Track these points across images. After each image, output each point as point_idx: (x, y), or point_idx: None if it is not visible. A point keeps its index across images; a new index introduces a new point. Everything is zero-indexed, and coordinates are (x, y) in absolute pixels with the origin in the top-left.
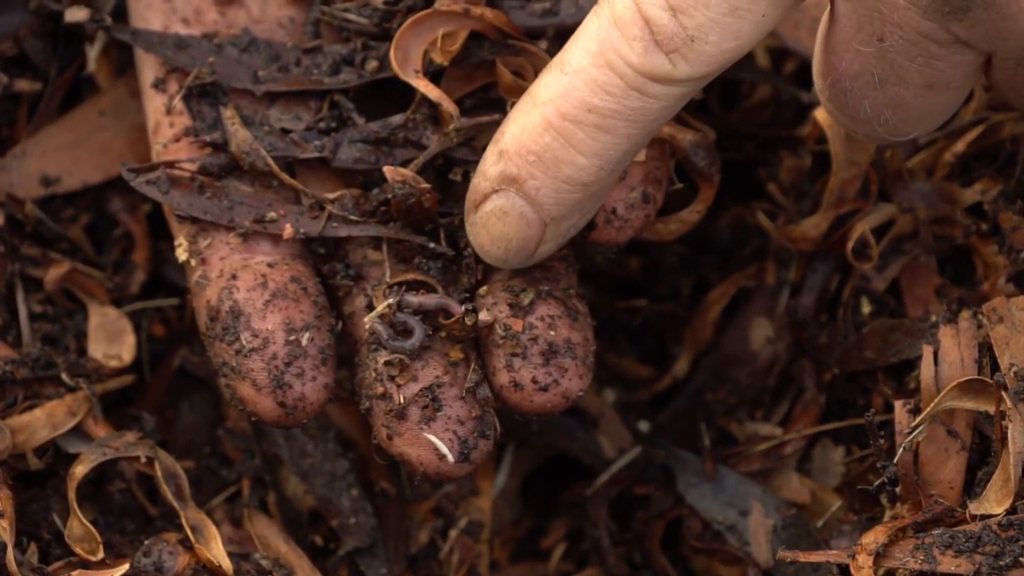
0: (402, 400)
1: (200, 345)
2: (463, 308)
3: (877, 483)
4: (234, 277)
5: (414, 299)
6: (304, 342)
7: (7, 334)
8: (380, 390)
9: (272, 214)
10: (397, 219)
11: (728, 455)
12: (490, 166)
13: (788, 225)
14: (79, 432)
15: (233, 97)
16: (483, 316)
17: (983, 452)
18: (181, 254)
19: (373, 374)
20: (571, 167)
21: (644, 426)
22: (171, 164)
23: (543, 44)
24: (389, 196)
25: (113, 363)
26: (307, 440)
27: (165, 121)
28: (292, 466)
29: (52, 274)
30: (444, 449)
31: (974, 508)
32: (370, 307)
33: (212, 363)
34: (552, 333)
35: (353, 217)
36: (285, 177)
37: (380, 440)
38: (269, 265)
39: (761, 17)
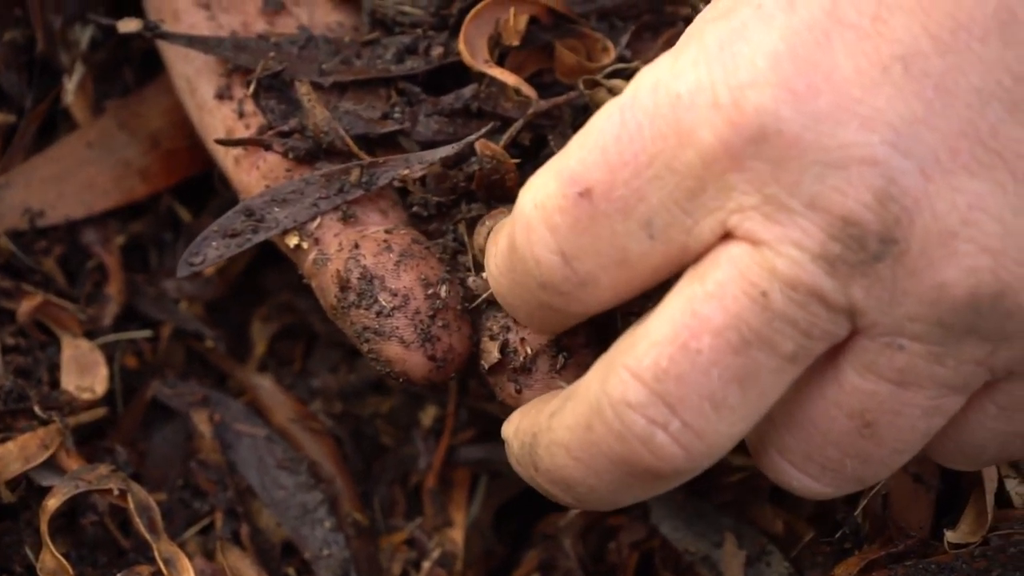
0: (529, 352)
1: (174, 375)
2: None
3: (839, 534)
4: (356, 246)
5: None
6: (443, 294)
7: None
8: (502, 343)
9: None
10: (479, 193)
11: (701, 485)
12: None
13: None
14: (52, 465)
15: None
16: None
17: (952, 488)
18: (292, 239)
19: (493, 330)
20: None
21: None
22: (260, 143)
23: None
24: (475, 168)
25: (86, 395)
26: (280, 472)
27: (239, 126)
28: (265, 498)
29: (25, 306)
30: None
31: (951, 537)
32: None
33: (347, 335)
34: None
35: (436, 199)
36: (363, 156)
37: (506, 397)
38: (387, 231)
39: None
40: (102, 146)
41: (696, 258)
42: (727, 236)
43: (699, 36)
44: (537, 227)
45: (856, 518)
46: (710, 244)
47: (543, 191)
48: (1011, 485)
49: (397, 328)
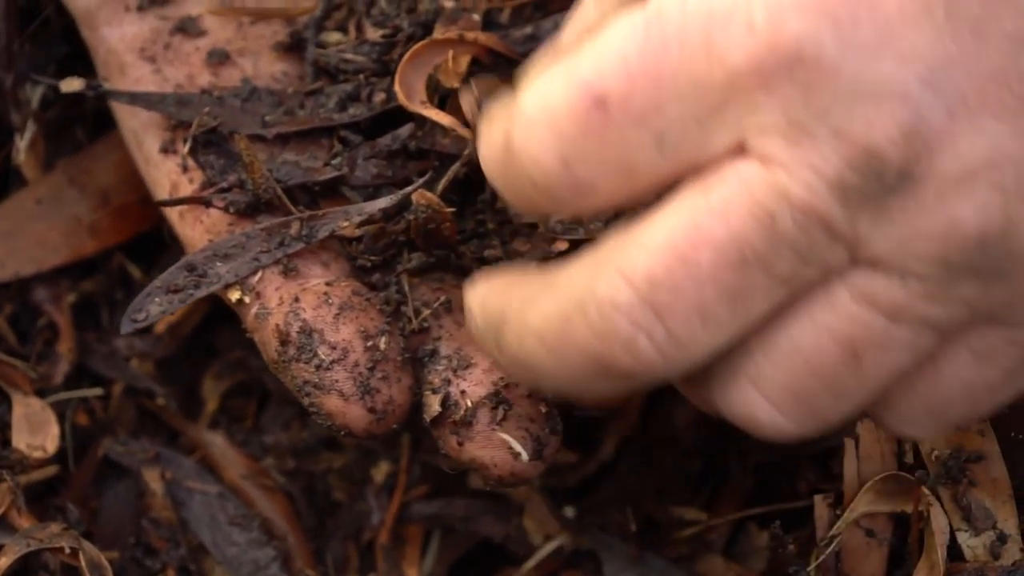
0: (469, 404)
1: (125, 433)
2: None
3: None
4: (297, 300)
5: None
6: (383, 346)
7: None
8: (443, 396)
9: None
10: (417, 242)
11: (654, 540)
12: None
13: None
14: (3, 524)
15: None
16: None
17: (904, 541)
18: (234, 294)
19: (435, 383)
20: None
21: (570, 512)
22: (201, 200)
23: None
24: (410, 218)
25: (37, 454)
26: (232, 529)
27: (183, 180)
28: (217, 555)
29: None
30: (518, 447)
31: None
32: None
33: (290, 388)
34: None
35: (372, 258)
36: (299, 211)
37: (449, 450)
38: (328, 284)
39: None
40: (52, 202)
41: (701, 172)
42: (738, 152)
43: None
44: (542, 130)
45: (809, 572)
46: (719, 158)
47: (552, 94)
48: (963, 538)
49: (336, 381)
